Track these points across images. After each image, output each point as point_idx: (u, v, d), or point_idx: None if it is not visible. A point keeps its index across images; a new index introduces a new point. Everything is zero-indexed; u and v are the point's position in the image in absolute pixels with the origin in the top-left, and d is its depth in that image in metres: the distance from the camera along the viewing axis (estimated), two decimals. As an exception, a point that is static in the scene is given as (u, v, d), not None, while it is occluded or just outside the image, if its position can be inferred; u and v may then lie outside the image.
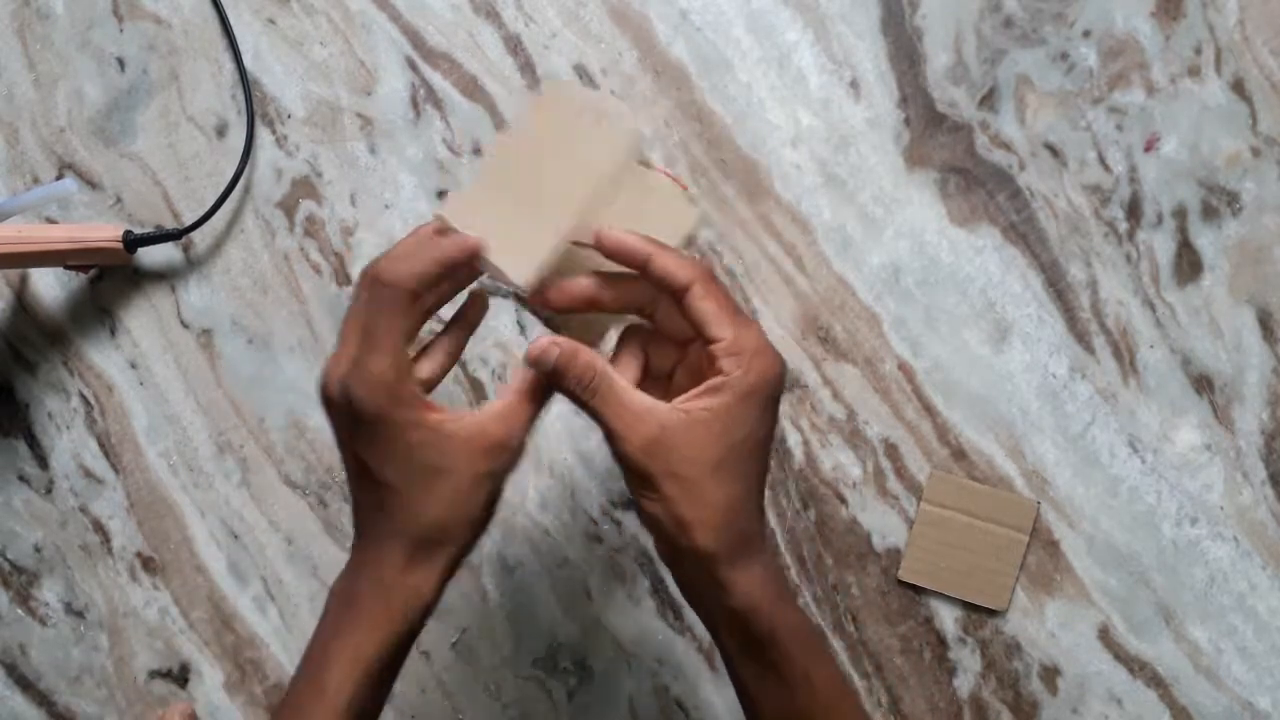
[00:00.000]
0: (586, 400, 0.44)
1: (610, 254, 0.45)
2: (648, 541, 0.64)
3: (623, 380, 0.44)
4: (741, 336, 0.43)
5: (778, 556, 0.63)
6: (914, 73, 0.63)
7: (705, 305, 0.44)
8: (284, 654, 0.65)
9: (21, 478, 0.67)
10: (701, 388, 0.44)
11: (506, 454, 0.45)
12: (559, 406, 0.64)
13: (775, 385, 0.44)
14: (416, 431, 0.43)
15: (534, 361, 0.44)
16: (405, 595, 0.44)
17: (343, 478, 0.65)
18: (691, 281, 0.44)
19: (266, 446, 0.66)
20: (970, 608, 0.62)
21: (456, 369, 0.65)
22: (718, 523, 0.43)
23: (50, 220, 0.67)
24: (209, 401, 0.66)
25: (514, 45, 0.65)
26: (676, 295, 0.44)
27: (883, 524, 0.63)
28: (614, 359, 0.48)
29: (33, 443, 0.67)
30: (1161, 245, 0.62)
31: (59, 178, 0.67)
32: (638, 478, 0.43)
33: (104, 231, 0.63)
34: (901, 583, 0.62)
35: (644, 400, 0.44)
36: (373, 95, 0.66)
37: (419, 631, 0.46)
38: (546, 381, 0.45)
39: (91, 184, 0.67)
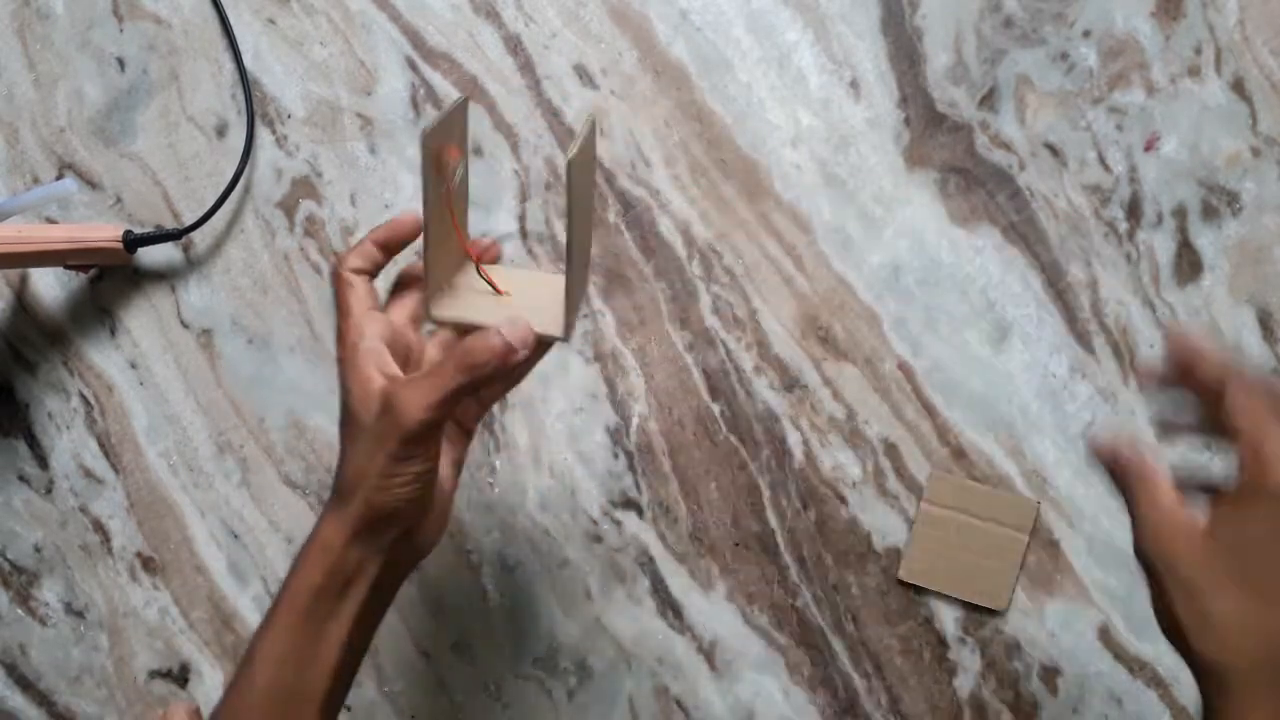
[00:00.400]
0: (1128, 483, 0.44)
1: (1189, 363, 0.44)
2: (648, 541, 0.64)
3: (1165, 479, 0.43)
4: (1270, 434, 0.40)
5: (778, 557, 0.63)
6: (914, 73, 0.63)
7: (1239, 399, 0.41)
8: (284, 654, 0.65)
9: (21, 478, 0.67)
10: (1227, 498, 0.41)
11: (430, 430, 0.44)
12: (559, 405, 0.64)
13: None
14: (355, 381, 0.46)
15: (1099, 453, 0.45)
16: (319, 538, 0.46)
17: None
18: (1234, 375, 0.42)
19: (266, 446, 0.66)
20: (970, 607, 0.62)
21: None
22: (1224, 633, 0.39)
23: (50, 220, 0.67)
24: (209, 401, 0.66)
25: (514, 45, 0.65)
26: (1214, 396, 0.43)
27: (883, 524, 0.63)
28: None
29: (33, 443, 0.67)
30: (1161, 245, 0.62)
31: (59, 178, 0.67)
32: (1148, 573, 0.42)
33: (104, 231, 0.63)
34: (901, 582, 0.62)
35: (1176, 502, 0.42)
36: (373, 95, 0.66)
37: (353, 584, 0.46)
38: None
39: (91, 184, 0.67)
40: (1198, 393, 0.44)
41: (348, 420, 0.46)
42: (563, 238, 0.65)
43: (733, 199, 0.64)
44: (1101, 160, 0.62)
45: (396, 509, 0.45)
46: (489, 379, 0.44)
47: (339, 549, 0.45)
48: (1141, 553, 0.42)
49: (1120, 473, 0.44)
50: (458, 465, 0.52)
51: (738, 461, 0.63)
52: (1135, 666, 0.61)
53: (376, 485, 0.44)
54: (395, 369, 0.47)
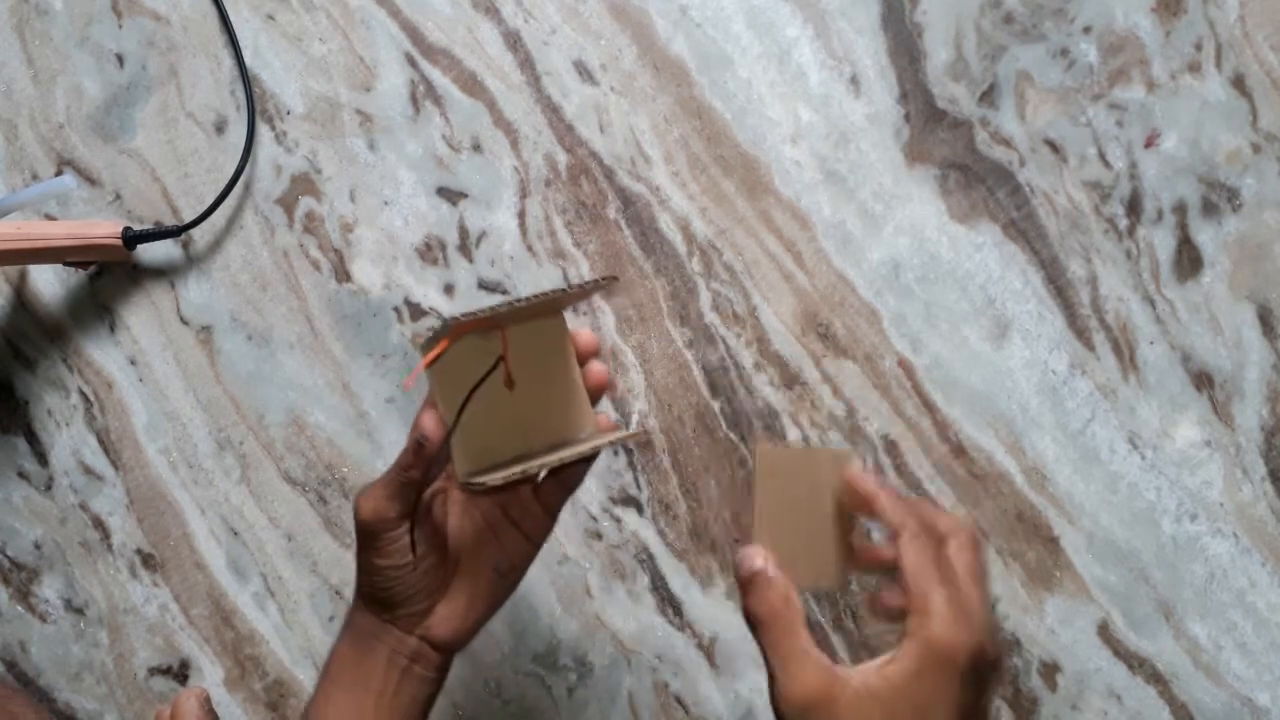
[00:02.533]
0: (761, 632, 0.41)
1: (855, 493, 0.44)
2: (647, 538, 0.64)
3: (804, 627, 0.41)
4: (935, 595, 0.39)
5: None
6: (914, 69, 0.63)
7: (916, 559, 0.41)
8: (284, 650, 0.65)
9: (21, 474, 0.67)
10: (888, 654, 0.40)
11: (377, 529, 0.46)
12: (559, 403, 0.64)
13: (965, 658, 0.39)
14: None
15: (736, 565, 0.43)
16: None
17: (341, 474, 0.65)
18: (908, 529, 0.41)
19: (266, 443, 0.66)
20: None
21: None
22: None
23: (49, 217, 0.67)
24: (208, 398, 0.66)
25: (513, 41, 0.65)
26: (893, 538, 0.42)
27: (882, 520, 0.63)
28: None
29: (32, 439, 0.67)
30: (1161, 241, 0.62)
31: (58, 174, 0.67)
32: None
33: (103, 228, 0.63)
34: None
35: (820, 656, 0.40)
36: (372, 91, 0.66)
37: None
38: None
39: (90, 180, 0.67)
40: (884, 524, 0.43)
41: None
42: (563, 237, 0.65)
43: (732, 195, 0.64)
44: (1102, 156, 0.62)
45: (373, 594, 0.48)
46: (413, 471, 0.46)
47: (357, 622, 0.49)
48: (778, 708, 0.40)
49: (756, 618, 0.41)
50: (502, 570, 0.50)
51: (737, 458, 0.63)
52: (1135, 663, 0.61)
53: (358, 570, 0.49)
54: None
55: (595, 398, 0.50)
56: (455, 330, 0.44)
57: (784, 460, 0.45)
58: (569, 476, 0.51)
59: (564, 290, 0.45)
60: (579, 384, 0.49)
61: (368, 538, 0.47)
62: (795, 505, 0.45)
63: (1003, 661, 0.41)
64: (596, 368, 0.49)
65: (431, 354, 0.44)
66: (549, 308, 0.47)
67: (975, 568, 0.41)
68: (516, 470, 0.44)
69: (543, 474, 0.50)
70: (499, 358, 0.47)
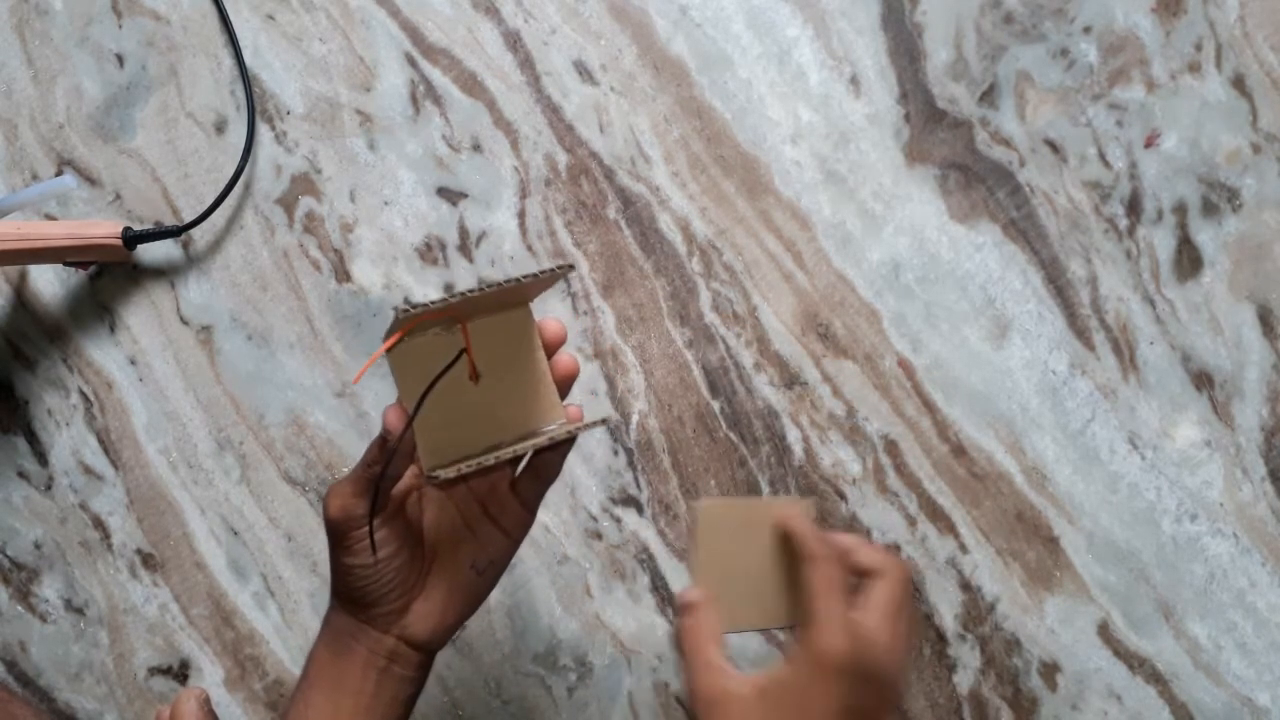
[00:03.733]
0: (681, 648, 0.46)
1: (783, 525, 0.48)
2: (648, 538, 0.64)
3: (721, 646, 0.45)
4: (822, 608, 0.43)
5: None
6: (914, 69, 0.63)
7: (813, 579, 0.44)
8: (284, 650, 0.65)
9: (21, 474, 0.67)
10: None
11: (345, 527, 0.46)
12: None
13: (842, 662, 0.42)
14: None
15: (679, 598, 0.48)
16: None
17: (341, 474, 0.65)
18: (814, 556, 0.45)
19: (266, 443, 0.66)
20: (970, 603, 0.62)
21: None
22: None
23: (49, 217, 0.67)
24: (208, 398, 0.66)
25: (513, 41, 0.65)
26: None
27: (882, 520, 0.63)
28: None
29: (32, 439, 0.67)
30: (1161, 241, 0.62)
31: (58, 174, 0.67)
32: None
33: (103, 228, 0.63)
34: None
35: (724, 666, 0.45)
36: (372, 91, 0.66)
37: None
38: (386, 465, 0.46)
39: (90, 180, 0.67)
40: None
41: None
42: (563, 237, 0.65)
43: (732, 195, 0.64)
44: (1102, 156, 0.62)
45: (346, 593, 0.48)
46: (376, 467, 0.45)
47: (333, 622, 0.49)
48: (690, 709, 0.45)
49: (678, 638, 0.46)
50: (479, 567, 0.50)
51: (737, 458, 0.63)
52: (1135, 662, 0.61)
53: (331, 569, 0.49)
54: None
55: (565, 388, 0.49)
56: (406, 323, 0.43)
57: (727, 513, 0.48)
58: (544, 469, 0.50)
59: (519, 279, 0.44)
60: (547, 375, 0.48)
61: (337, 536, 0.47)
62: (737, 553, 0.48)
63: (894, 684, 0.44)
64: (565, 358, 0.49)
65: (382, 347, 0.44)
66: (510, 298, 0.46)
67: (890, 601, 0.44)
68: (473, 461, 0.44)
69: (520, 466, 0.50)
70: (461, 350, 0.47)
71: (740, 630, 0.50)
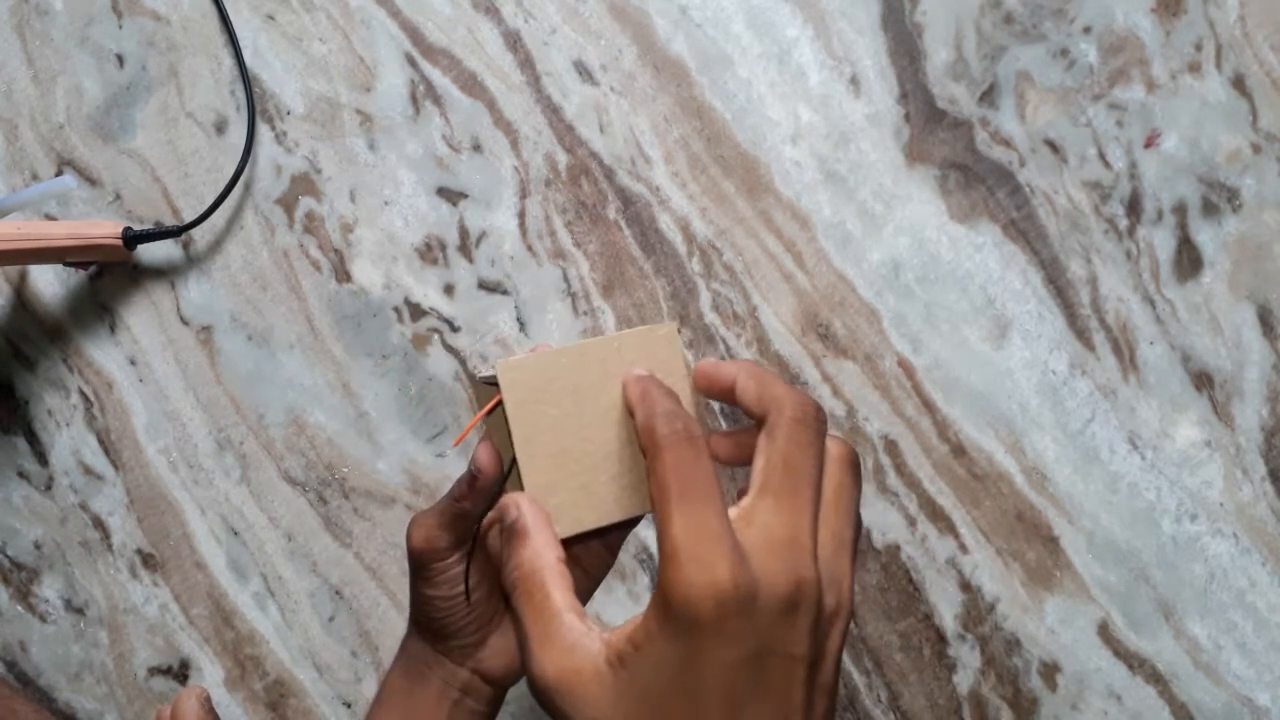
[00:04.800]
0: (514, 598, 0.34)
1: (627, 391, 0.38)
2: (647, 538, 0.64)
3: (566, 588, 0.34)
4: (690, 533, 0.30)
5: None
6: (914, 69, 0.63)
7: (657, 483, 0.32)
8: (284, 650, 0.65)
9: (21, 474, 0.67)
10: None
11: (427, 559, 0.45)
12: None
13: (723, 608, 0.29)
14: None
15: (498, 510, 0.38)
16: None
17: (341, 474, 0.65)
18: (657, 445, 0.33)
19: (266, 443, 0.66)
20: (970, 603, 0.62)
21: (458, 369, 0.65)
22: None
23: (49, 217, 0.67)
24: (208, 398, 0.66)
25: (513, 41, 0.65)
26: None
27: (882, 520, 0.63)
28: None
29: (32, 439, 0.67)
30: (1161, 242, 0.62)
31: (58, 174, 0.67)
32: (544, 706, 0.33)
33: (103, 228, 0.63)
34: (894, 576, 0.62)
35: (572, 625, 0.33)
36: (372, 91, 0.66)
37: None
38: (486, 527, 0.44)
39: (91, 180, 0.67)
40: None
41: None
42: (563, 237, 0.65)
43: (732, 195, 0.64)
44: (1102, 157, 0.62)
45: (424, 624, 0.47)
46: (465, 503, 0.44)
47: (409, 649, 0.48)
48: (537, 687, 0.32)
49: (508, 584, 0.35)
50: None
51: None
52: (1134, 663, 0.61)
53: (410, 598, 0.47)
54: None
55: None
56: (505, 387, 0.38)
57: (536, 370, 0.38)
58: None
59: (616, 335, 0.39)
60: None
61: (419, 567, 0.45)
62: (565, 423, 0.38)
63: (820, 599, 0.31)
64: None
65: (483, 410, 0.41)
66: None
67: (778, 464, 0.32)
68: (600, 524, 0.39)
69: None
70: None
71: (583, 530, 0.39)
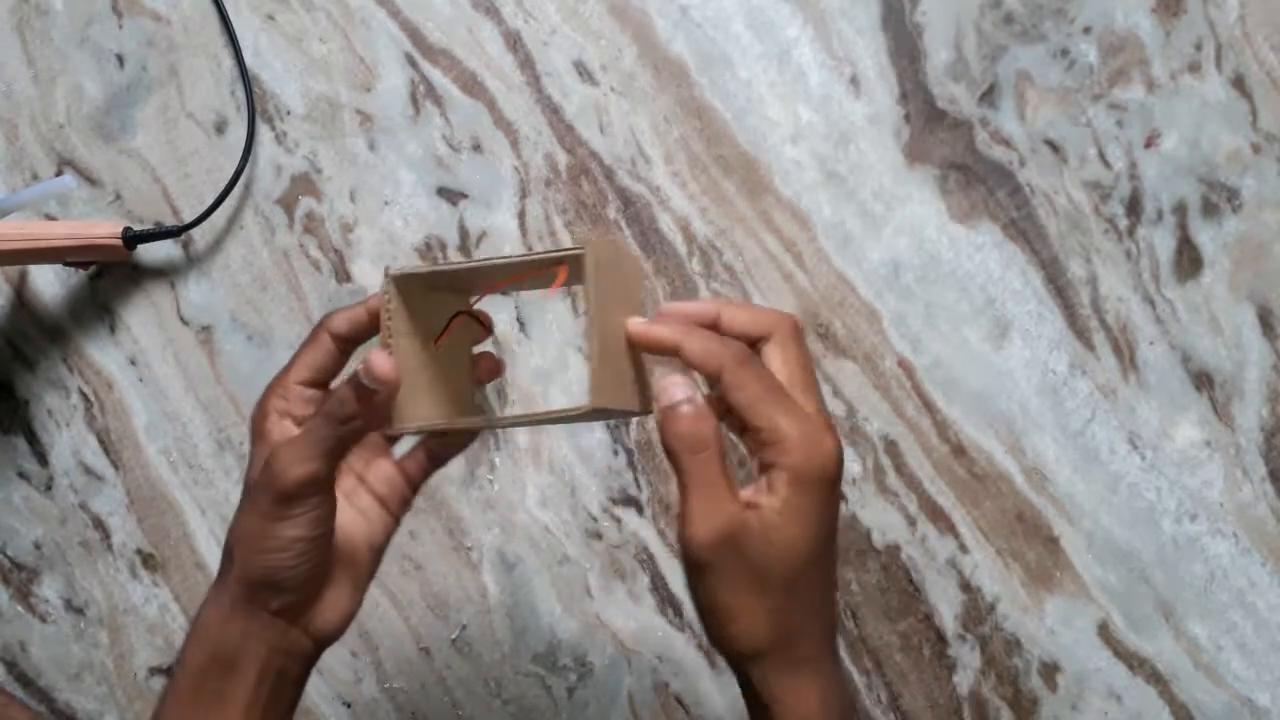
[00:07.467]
0: (682, 463, 0.40)
1: (648, 349, 0.43)
2: (648, 538, 0.64)
3: (722, 463, 0.40)
4: (782, 422, 0.39)
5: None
6: (914, 69, 0.63)
7: (736, 395, 0.40)
8: (284, 651, 0.65)
9: (21, 474, 0.67)
10: (759, 483, 0.40)
11: (305, 493, 0.40)
12: (559, 402, 0.64)
13: (835, 468, 0.40)
14: (256, 444, 0.44)
15: (656, 396, 0.41)
16: (199, 615, 0.43)
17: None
18: (720, 368, 0.40)
19: (266, 443, 0.66)
20: (970, 604, 0.62)
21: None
22: (762, 626, 0.41)
23: (49, 217, 0.67)
24: (209, 398, 0.66)
25: (513, 42, 0.65)
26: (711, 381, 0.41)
27: (882, 521, 0.63)
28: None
29: (32, 439, 0.67)
30: (1162, 242, 0.62)
31: (58, 174, 0.67)
32: (693, 567, 0.40)
33: (103, 228, 0.63)
34: (893, 575, 0.62)
35: (729, 490, 0.40)
36: (372, 92, 0.66)
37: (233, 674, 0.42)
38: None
39: (91, 180, 0.67)
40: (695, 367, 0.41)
41: (245, 485, 0.43)
42: (563, 237, 0.65)
43: (732, 195, 0.64)
44: (1102, 157, 0.62)
45: (273, 575, 0.41)
46: (356, 422, 0.40)
47: (217, 624, 0.42)
48: (687, 545, 0.40)
49: (677, 450, 0.40)
50: (375, 547, 0.46)
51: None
52: (1135, 663, 0.61)
53: (252, 547, 0.41)
54: (294, 431, 0.43)
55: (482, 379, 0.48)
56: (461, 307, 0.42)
57: (610, 249, 0.41)
58: (444, 449, 0.47)
59: (521, 258, 0.42)
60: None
61: (288, 504, 0.40)
62: (612, 311, 0.41)
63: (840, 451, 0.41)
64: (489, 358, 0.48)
65: (444, 331, 0.43)
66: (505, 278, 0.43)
67: (799, 364, 0.41)
68: (439, 424, 0.42)
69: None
70: (458, 313, 0.45)
71: (613, 412, 0.43)
